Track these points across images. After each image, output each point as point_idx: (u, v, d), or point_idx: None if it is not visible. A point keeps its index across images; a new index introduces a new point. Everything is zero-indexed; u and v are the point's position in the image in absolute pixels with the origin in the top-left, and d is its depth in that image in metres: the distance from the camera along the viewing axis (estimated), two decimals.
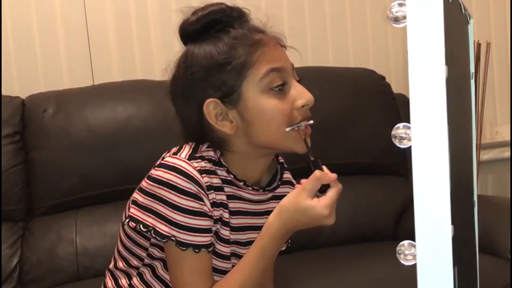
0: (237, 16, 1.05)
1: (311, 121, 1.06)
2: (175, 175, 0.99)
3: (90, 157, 1.89)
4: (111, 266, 1.16)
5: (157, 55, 2.25)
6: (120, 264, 1.12)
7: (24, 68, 2.16)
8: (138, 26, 2.26)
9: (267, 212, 1.12)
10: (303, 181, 1.03)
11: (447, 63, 0.46)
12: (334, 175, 1.00)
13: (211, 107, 1.02)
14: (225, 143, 1.05)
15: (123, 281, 1.12)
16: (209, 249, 1.02)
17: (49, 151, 1.89)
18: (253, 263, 1.02)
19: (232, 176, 1.06)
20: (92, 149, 1.90)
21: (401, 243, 0.48)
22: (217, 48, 1.02)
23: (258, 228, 1.11)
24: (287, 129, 1.02)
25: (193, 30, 1.05)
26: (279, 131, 1.02)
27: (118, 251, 1.14)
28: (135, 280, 1.10)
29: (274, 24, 1.09)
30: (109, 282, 1.14)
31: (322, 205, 0.97)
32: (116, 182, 1.87)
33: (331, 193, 0.98)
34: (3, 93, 1.97)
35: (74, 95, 1.99)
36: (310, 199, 0.98)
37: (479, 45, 2.40)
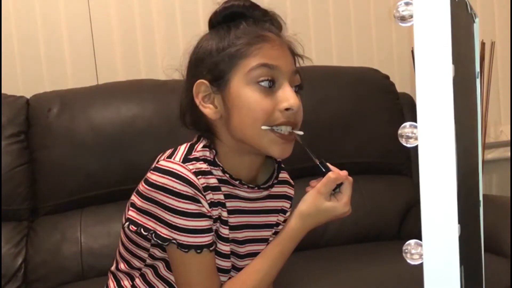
0: (258, 14, 1.07)
1: (301, 132, 1.04)
2: (170, 179, 0.99)
3: (95, 157, 1.90)
4: (113, 268, 1.16)
5: (161, 55, 2.25)
6: (122, 266, 1.13)
7: (29, 68, 2.16)
8: (143, 26, 2.26)
9: (264, 211, 1.13)
10: (312, 182, 1.05)
11: (453, 62, 0.46)
12: (345, 172, 1.05)
13: (200, 88, 1.04)
14: (212, 129, 1.07)
15: (126, 283, 1.12)
16: (211, 249, 1.03)
17: (53, 150, 1.89)
18: (272, 264, 1.05)
19: (227, 175, 1.06)
20: (96, 148, 1.90)
21: (407, 242, 0.48)
22: (225, 36, 1.04)
23: (255, 226, 1.12)
24: (263, 127, 1.01)
25: (216, 21, 1.08)
26: (254, 127, 1.01)
27: (120, 253, 1.14)
28: (138, 281, 1.10)
29: (294, 31, 1.10)
30: (112, 284, 1.15)
31: (342, 204, 1.04)
32: (121, 182, 1.88)
33: (347, 190, 1.05)
34: (8, 92, 1.97)
35: (79, 95, 1.99)
36: (329, 201, 1.04)
37: (483, 44, 2.40)
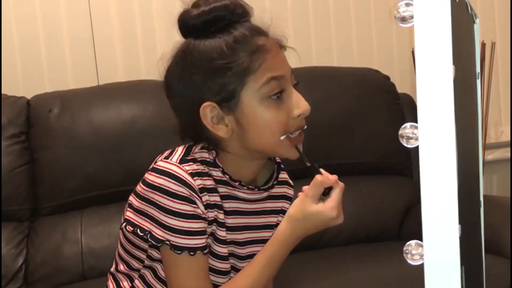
0: (240, 14, 1.03)
1: (304, 126, 1.05)
2: (166, 180, 0.99)
3: (95, 157, 1.90)
4: (112, 269, 1.16)
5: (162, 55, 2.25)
6: (121, 267, 1.12)
7: (29, 68, 2.16)
8: (143, 26, 2.27)
9: (263, 212, 1.13)
10: (304, 188, 1.03)
11: (454, 62, 0.46)
12: (334, 177, 1.02)
13: (207, 111, 1.01)
14: (219, 144, 1.05)
15: (125, 284, 1.12)
16: (205, 251, 1.02)
17: (54, 151, 1.89)
18: (261, 270, 1.03)
19: (227, 176, 1.06)
20: (97, 149, 1.90)
21: (408, 242, 0.48)
22: (218, 50, 1.00)
23: (254, 227, 1.12)
24: (282, 138, 1.01)
25: (193, 25, 1.03)
26: (273, 139, 1.01)
27: (119, 254, 1.13)
28: (137, 282, 1.10)
29: (277, 25, 1.07)
30: (111, 285, 1.14)
31: (329, 207, 1.00)
32: (121, 182, 1.88)
33: (335, 194, 1.01)
34: (8, 93, 1.98)
35: (79, 96, 2.00)
36: (316, 204, 1.00)
37: (483, 45, 2.40)
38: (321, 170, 1.03)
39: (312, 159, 1.04)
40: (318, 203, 1.01)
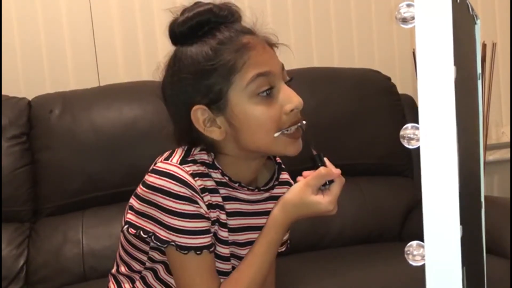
0: (225, 15, 1.03)
1: (303, 121, 1.04)
2: (167, 181, 0.99)
3: (96, 158, 1.90)
4: (113, 270, 1.16)
5: (163, 56, 2.25)
6: (123, 268, 1.12)
7: (31, 69, 2.16)
8: (144, 27, 2.27)
9: (265, 212, 1.12)
10: (305, 173, 1.04)
11: (455, 63, 0.46)
12: (338, 171, 1.03)
13: (198, 114, 1.01)
14: (216, 147, 1.05)
15: (127, 286, 1.12)
16: (211, 250, 1.03)
17: (55, 152, 1.90)
18: (262, 256, 1.04)
19: (227, 178, 1.06)
20: (98, 150, 1.90)
21: (409, 243, 0.48)
22: (203, 54, 1.00)
23: (256, 228, 1.11)
24: (276, 135, 1.00)
25: (180, 32, 1.04)
26: (267, 137, 1.01)
27: (120, 256, 1.13)
28: (138, 284, 1.10)
29: (267, 22, 1.06)
30: (113, 286, 1.14)
31: (327, 201, 1.01)
32: (122, 183, 1.88)
33: (336, 189, 1.02)
34: (9, 94, 1.98)
35: (81, 96, 2.00)
36: (315, 195, 1.02)
37: (484, 45, 2.40)
38: (326, 161, 1.04)
39: (309, 152, 1.04)
40: (317, 194, 1.02)
